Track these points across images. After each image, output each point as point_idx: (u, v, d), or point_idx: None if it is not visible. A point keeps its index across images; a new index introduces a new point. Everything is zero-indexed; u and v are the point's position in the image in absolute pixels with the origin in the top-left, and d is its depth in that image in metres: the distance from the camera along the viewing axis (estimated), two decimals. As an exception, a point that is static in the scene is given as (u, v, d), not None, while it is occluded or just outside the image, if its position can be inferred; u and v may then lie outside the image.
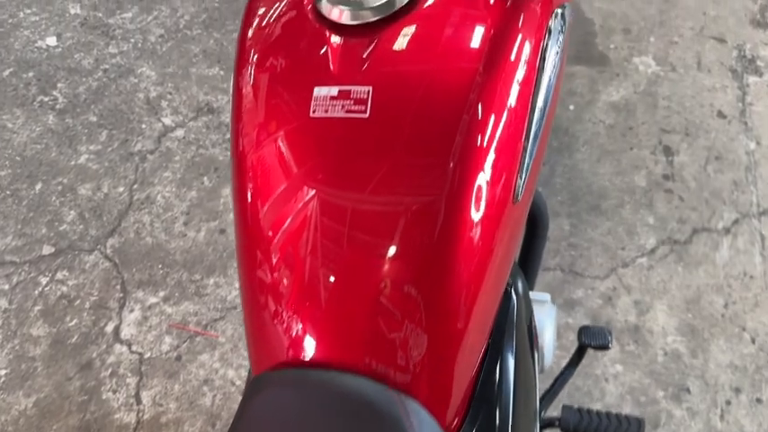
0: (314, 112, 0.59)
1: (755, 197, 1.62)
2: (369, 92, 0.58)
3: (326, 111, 0.58)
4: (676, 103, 1.78)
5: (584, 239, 1.57)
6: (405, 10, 0.60)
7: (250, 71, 0.65)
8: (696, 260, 1.53)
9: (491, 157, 0.56)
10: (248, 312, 0.62)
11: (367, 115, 0.57)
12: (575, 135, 1.74)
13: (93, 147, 1.76)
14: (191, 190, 1.67)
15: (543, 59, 0.61)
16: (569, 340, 1.42)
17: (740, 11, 1.97)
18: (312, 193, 0.57)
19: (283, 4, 0.67)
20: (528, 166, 0.60)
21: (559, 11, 0.65)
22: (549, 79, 0.62)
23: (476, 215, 0.55)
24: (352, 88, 0.58)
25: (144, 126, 1.79)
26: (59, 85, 1.88)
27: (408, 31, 0.60)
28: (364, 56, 0.59)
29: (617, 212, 1.61)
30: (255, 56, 0.65)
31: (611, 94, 1.81)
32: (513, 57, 0.59)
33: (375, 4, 0.60)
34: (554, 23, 0.63)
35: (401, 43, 0.60)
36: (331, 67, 0.60)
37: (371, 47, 0.59)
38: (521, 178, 0.59)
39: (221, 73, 1.89)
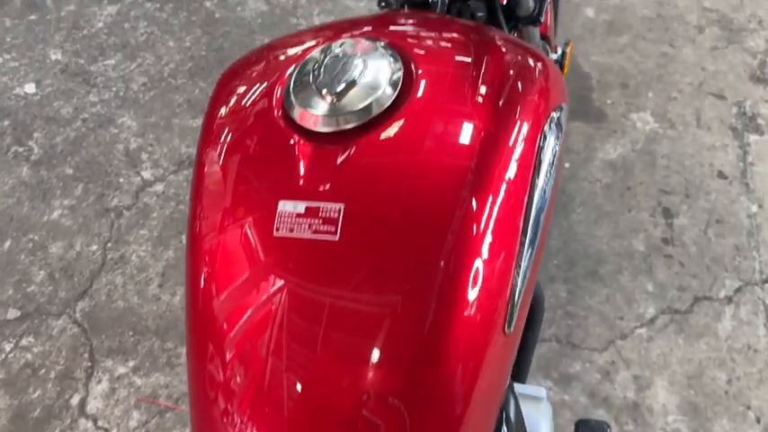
0: (277, 230, 0.52)
1: (758, 263, 1.55)
2: (340, 210, 0.51)
3: (291, 230, 0.51)
4: (675, 162, 1.72)
5: (582, 307, 1.50)
6: (384, 115, 0.54)
7: (215, 155, 0.58)
8: (697, 331, 1.46)
9: (486, 247, 0.50)
10: (196, 420, 0.54)
11: (337, 238, 0.50)
12: (570, 194, 1.67)
13: (68, 201, 1.68)
14: (167, 249, 1.59)
15: (538, 167, 0.55)
16: (565, 419, 1.34)
17: (739, 66, 1.92)
18: (279, 283, 0.50)
19: (258, 90, 0.61)
20: (522, 286, 0.53)
21: (555, 115, 0.58)
22: (544, 192, 0.55)
23: (466, 332, 0.49)
24: (322, 205, 0.51)
25: (122, 180, 1.72)
26: (36, 134, 1.81)
27: (387, 139, 0.53)
28: (336, 168, 0.52)
29: (615, 279, 1.54)
30: (222, 139, 0.59)
31: (609, 152, 1.75)
32: (504, 163, 0.52)
33: (351, 110, 0.53)
34: (549, 128, 0.57)
35: (379, 154, 0.53)
36: (299, 179, 0.53)
37: (345, 157, 0.52)
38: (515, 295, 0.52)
39: (205, 124, 1.82)
